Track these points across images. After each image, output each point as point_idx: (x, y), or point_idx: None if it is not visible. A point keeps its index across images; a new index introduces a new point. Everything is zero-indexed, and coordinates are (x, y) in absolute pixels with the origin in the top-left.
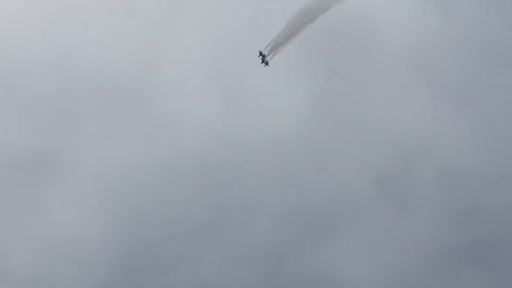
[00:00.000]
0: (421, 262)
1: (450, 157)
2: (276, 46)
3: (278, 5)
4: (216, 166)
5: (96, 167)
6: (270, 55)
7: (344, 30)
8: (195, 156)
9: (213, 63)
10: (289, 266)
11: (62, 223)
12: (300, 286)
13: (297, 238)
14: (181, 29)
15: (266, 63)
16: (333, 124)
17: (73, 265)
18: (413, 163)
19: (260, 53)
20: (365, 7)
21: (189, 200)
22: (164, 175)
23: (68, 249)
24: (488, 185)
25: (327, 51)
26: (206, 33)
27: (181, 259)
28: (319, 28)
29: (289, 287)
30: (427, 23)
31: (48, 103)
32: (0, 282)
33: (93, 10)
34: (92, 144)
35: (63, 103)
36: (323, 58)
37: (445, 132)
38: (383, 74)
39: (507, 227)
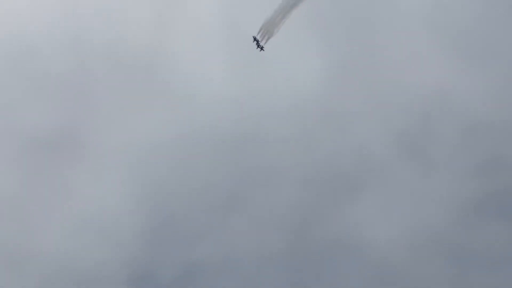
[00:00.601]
0: (446, 217)
1: (470, 111)
2: (268, 30)
3: None
4: (236, 136)
5: (118, 143)
6: (264, 40)
7: None
8: (215, 127)
9: (228, 31)
10: (316, 230)
11: (89, 201)
12: (327, 249)
13: (321, 202)
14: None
15: (262, 48)
16: (350, 86)
17: (103, 241)
18: (432, 118)
19: (254, 38)
20: None
21: (213, 171)
22: (186, 147)
23: (96, 226)
24: (509, 136)
25: (341, 14)
26: (220, 2)
27: (209, 230)
28: None
29: (317, 251)
30: None
31: (65, 81)
32: (34, 261)
33: None
34: (112, 120)
35: (80, 80)
36: (337, 21)
37: (463, 86)
38: (399, 32)
39: None
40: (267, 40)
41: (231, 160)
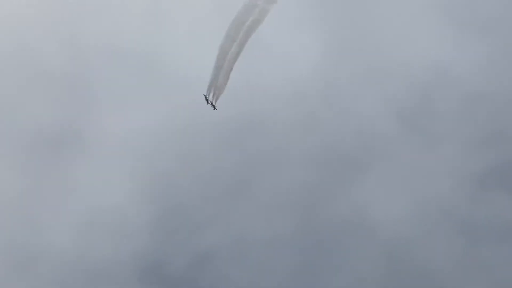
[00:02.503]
0: (452, 191)
1: (470, 83)
2: (217, 88)
3: None
4: (238, 122)
5: (121, 135)
6: (215, 98)
7: None
8: (217, 114)
9: (222, 12)
10: (323, 211)
11: (95, 194)
12: (336, 229)
13: (327, 182)
14: None
15: (214, 107)
16: (349, 63)
17: (111, 235)
18: (433, 92)
19: (205, 97)
20: None
21: (217, 158)
22: (189, 136)
23: (104, 220)
24: (510, 106)
25: None
26: None
27: (216, 216)
28: None
29: (326, 231)
30: None
31: (63, 76)
32: (43, 259)
33: None
34: (114, 113)
35: (79, 74)
36: None
37: (463, 58)
38: (396, 7)
39: None
40: (217, 97)
41: (235, 146)
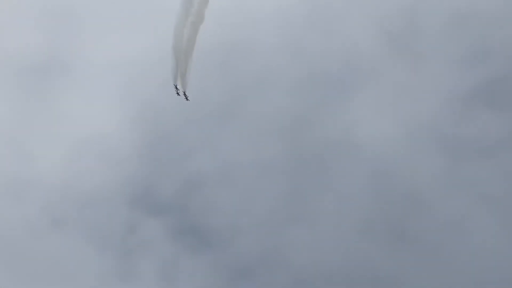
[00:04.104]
0: (438, 110)
1: (457, 1)
2: (181, 77)
3: None
4: (223, 47)
5: (107, 63)
6: (183, 87)
7: None
8: (201, 40)
9: None
10: (310, 134)
11: (83, 123)
12: (323, 151)
13: (313, 106)
14: None
15: (186, 98)
16: None
17: (101, 162)
18: (419, 12)
19: (176, 87)
20: None
21: (202, 84)
22: None
23: (93, 147)
24: (497, 24)
25: None
26: None
27: (204, 142)
28: None
29: (313, 154)
30: None
31: (45, 2)
32: (33, 187)
33: None
34: (100, 40)
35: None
36: None
37: None
38: None
39: None
40: (186, 85)
41: (220, 72)
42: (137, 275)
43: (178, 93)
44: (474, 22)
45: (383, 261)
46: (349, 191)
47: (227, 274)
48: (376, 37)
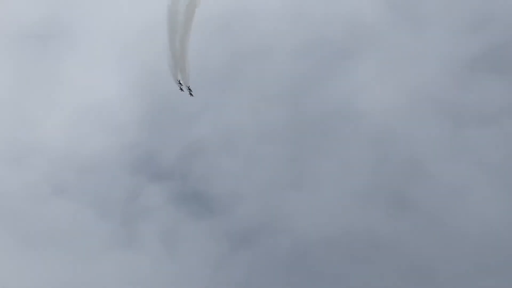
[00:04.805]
0: (441, 76)
1: None
2: (181, 71)
3: None
4: (224, 12)
5: (107, 28)
6: (185, 82)
7: None
8: (202, 7)
9: None
10: (312, 102)
11: (85, 90)
12: (325, 119)
13: (316, 73)
14: None
15: (190, 93)
16: None
17: (102, 128)
18: None
19: (179, 83)
20: None
21: (204, 50)
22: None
23: (94, 114)
24: None
25: None
26: None
27: (205, 109)
28: None
29: (315, 122)
30: None
31: None
32: (35, 154)
33: None
34: (99, 4)
35: None
36: None
37: None
38: None
39: None
40: (187, 80)
41: (222, 39)
42: (139, 240)
43: (182, 89)
44: None
45: (384, 227)
46: (350, 157)
47: (228, 240)
48: (378, 2)
